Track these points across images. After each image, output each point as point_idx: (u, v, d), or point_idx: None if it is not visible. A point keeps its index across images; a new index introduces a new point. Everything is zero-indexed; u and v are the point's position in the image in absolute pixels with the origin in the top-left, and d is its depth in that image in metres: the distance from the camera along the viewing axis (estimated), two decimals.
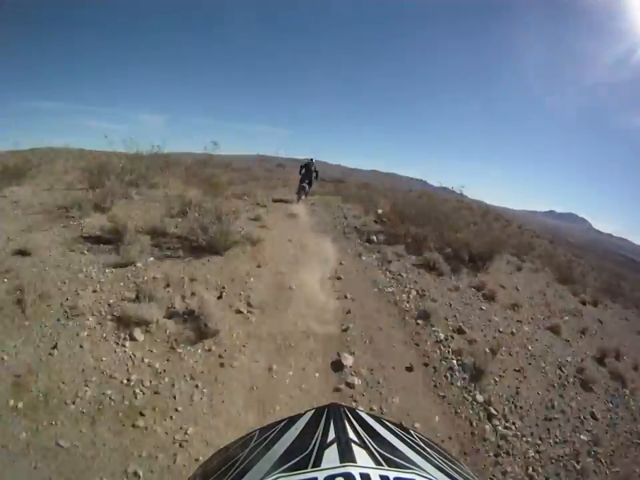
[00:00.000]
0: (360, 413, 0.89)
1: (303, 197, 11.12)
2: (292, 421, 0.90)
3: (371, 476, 0.61)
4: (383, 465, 0.66)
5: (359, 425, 0.81)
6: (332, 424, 0.80)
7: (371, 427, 0.84)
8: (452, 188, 14.74)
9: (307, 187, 11.07)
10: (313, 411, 0.91)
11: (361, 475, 0.61)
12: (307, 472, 0.65)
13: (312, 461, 0.68)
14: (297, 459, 0.70)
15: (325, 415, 0.85)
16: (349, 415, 0.85)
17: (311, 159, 11.14)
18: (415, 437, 0.91)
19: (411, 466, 0.68)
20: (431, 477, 0.66)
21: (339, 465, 0.64)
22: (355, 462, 0.65)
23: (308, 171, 10.99)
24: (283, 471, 0.67)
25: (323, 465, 0.65)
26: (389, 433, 0.84)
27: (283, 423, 0.91)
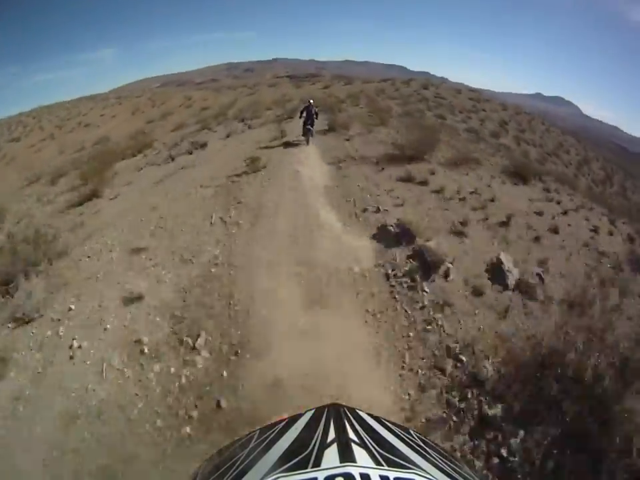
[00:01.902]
0: (360, 412, 0.89)
1: (311, 137, 11.58)
2: (292, 420, 0.90)
3: (371, 476, 0.62)
4: (382, 465, 0.66)
5: (359, 425, 0.81)
6: (332, 424, 0.79)
7: (371, 426, 0.83)
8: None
9: (312, 128, 11.50)
10: (312, 411, 0.90)
11: (361, 474, 0.62)
12: (307, 472, 0.65)
13: (312, 460, 0.68)
14: (297, 458, 0.71)
15: (324, 415, 0.85)
16: (349, 415, 0.84)
17: (309, 101, 11.71)
18: (415, 436, 0.91)
19: (411, 466, 0.68)
20: (430, 476, 0.66)
21: (339, 464, 0.65)
22: (355, 462, 0.65)
23: (308, 113, 11.36)
24: (283, 471, 0.68)
25: (323, 465, 0.66)
26: (388, 432, 0.84)
27: (283, 423, 0.91)
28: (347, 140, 12.20)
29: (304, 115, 11.46)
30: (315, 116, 11.38)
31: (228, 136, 14.64)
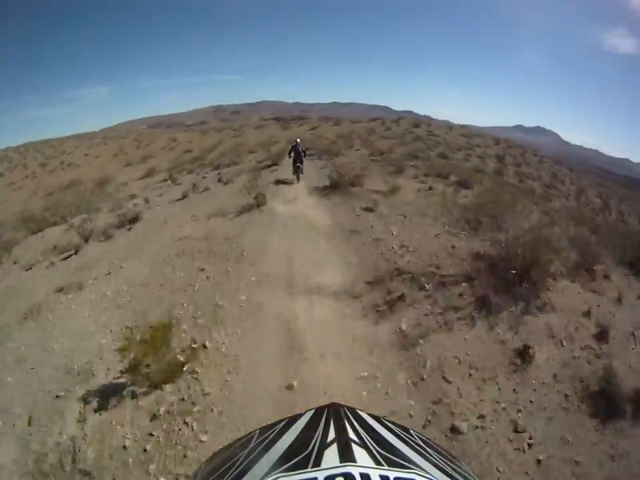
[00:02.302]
0: (360, 412, 0.89)
1: (301, 175, 12.12)
2: (292, 421, 0.90)
3: (371, 476, 0.62)
4: (382, 465, 0.67)
5: (359, 425, 0.81)
6: (332, 424, 0.80)
7: (371, 426, 0.84)
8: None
9: (301, 166, 12.05)
10: (313, 411, 0.91)
11: (361, 474, 0.62)
12: (307, 472, 0.66)
13: (312, 460, 0.69)
14: (297, 458, 0.71)
15: (324, 415, 0.85)
16: (349, 415, 0.85)
17: (296, 141, 12.46)
18: (415, 436, 0.92)
19: (411, 465, 0.69)
20: (430, 476, 0.67)
21: (339, 464, 0.65)
22: (355, 462, 0.65)
23: (297, 152, 11.99)
24: (283, 471, 0.68)
25: (323, 465, 0.66)
26: (388, 432, 0.85)
27: (282, 423, 0.91)
28: (369, 210, 8.23)
29: (292, 154, 12.14)
30: (302, 153, 12.03)
31: (184, 196, 11.62)
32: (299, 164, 11.92)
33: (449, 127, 33.03)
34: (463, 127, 34.60)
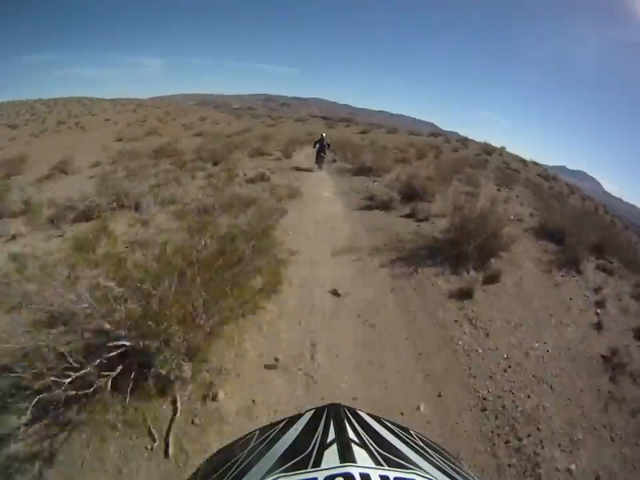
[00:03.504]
0: (360, 413, 0.92)
1: (322, 165, 14.27)
2: (292, 421, 0.93)
3: (371, 476, 0.64)
4: (382, 465, 0.69)
5: (359, 425, 0.83)
6: (332, 424, 0.82)
7: (371, 426, 0.86)
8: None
9: (324, 156, 14.14)
10: (313, 411, 0.93)
11: (361, 475, 0.64)
12: (307, 472, 0.68)
13: (312, 461, 0.71)
14: (297, 459, 0.73)
15: (324, 415, 0.87)
16: (349, 415, 0.87)
17: (323, 135, 14.62)
18: (415, 436, 0.94)
19: (411, 466, 0.72)
20: (430, 477, 0.69)
21: (339, 465, 0.67)
22: (355, 462, 0.67)
23: (321, 145, 14.10)
24: (283, 471, 0.70)
25: (323, 465, 0.68)
26: (388, 432, 0.87)
27: (282, 423, 0.94)
28: None
29: (317, 146, 14.36)
30: (327, 146, 14.36)
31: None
32: (322, 154, 14.13)
33: (522, 160, 27.11)
34: (535, 163, 28.20)
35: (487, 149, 24.99)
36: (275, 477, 0.67)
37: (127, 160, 15.49)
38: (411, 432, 0.95)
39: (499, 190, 12.95)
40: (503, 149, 25.56)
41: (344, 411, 0.87)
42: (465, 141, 26.85)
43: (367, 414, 0.92)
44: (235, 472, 0.78)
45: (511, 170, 20.76)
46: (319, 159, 13.92)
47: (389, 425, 0.91)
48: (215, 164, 14.13)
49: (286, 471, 0.68)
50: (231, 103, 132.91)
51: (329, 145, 14.19)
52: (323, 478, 0.63)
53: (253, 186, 10.89)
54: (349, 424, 0.80)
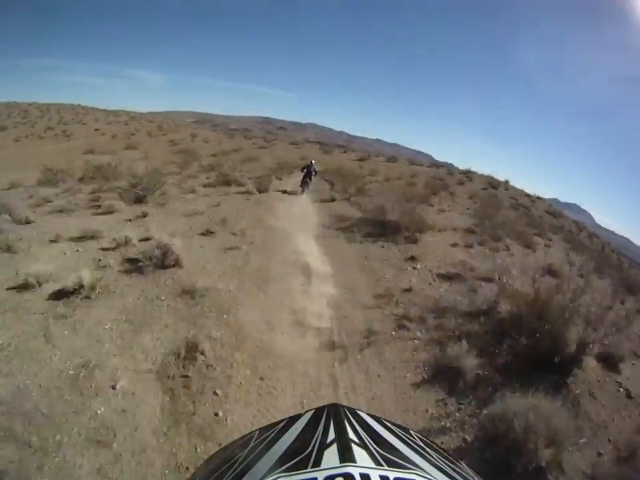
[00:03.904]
0: (360, 413, 0.92)
1: (306, 189, 14.63)
2: (292, 421, 0.92)
3: (371, 476, 0.64)
4: (382, 465, 0.68)
5: (359, 425, 0.83)
6: (332, 424, 0.81)
7: (371, 427, 0.86)
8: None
9: (309, 182, 14.67)
10: (312, 411, 0.93)
11: (361, 475, 0.64)
12: (307, 472, 0.67)
13: (312, 461, 0.70)
14: (297, 459, 0.73)
15: (324, 415, 0.87)
16: (349, 415, 0.87)
17: (312, 161, 15.23)
18: (415, 436, 0.94)
19: (411, 466, 0.71)
20: (430, 477, 0.69)
21: (338, 465, 0.67)
22: (355, 462, 0.67)
23: (308, 170, 14.58)
24: (283, 471, 0.70)
25: (323, 465, 0.68)
26: (388, 433, 0.87)
27: (282, 423, 0.94)
28: None
29: (304, 171, 14.83)
30: (313, 173, 14.88)
31: None
32: (307, 180, 14.61)
33: (526, 195, 25.91)
34: (539, 198, 26.95)
35: (492, 183, 23.49)
36: (274, 477, 0.68)
37: (53, 177, 12.67)
38: (411, 432, 0.95)
39: (547, 246, 10.27)
40: (507, 182, 23.98)
41: (344, 411, 0.88)
42: (468, 173, 25.38)
43: (367, 414, 0.92)
44: (235, 472, 0.78)
45: (522, 207, 19.08)
46: (304, 183, 14.48)
47: (389, 425, 0.92)
48: (139, 201, 9.82)
49: (286, 471, 0.68)
50: (228, 123, 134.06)
51: (315, 172, 14.91)
52: (323, 478, 0.63)
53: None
54: (348, 424, 0.80)
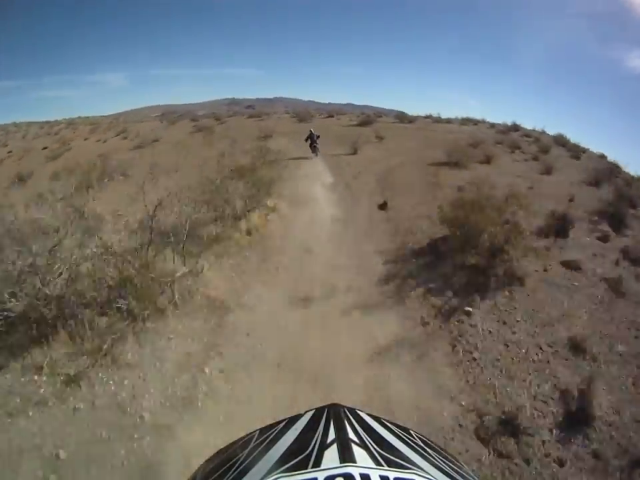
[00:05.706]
0: (360, 413, 0.90)
1: (318, 153, 16.57)
2: (292, 421, 0.90)
3: (371, 476, 0.63)
4: (382, 465, 0.67)
5: (359, 425, 0.82)
6: (332, 424, 0.80)
7: (371, 427, 0.85)
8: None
9: (317, 146, 16.21)
10: (312, 411, 0.91)
11: (361, 475, 0.63)
12: (307, 472, 0.66)
13: (312, 461, 0.69)
14: (297, 459, 0.71)
15: (324, 415, 0.85)
16: (349, 415, 0.85)
17: (310, 130, 16.70)
18: (415, 436, 0.92)
19: (411, 466, 0.70)
20: (430, 477, 0.69)
21: (339, 465, 0.66)
22: (355, 462, 0.66)
23: (312, 137, 16.26)
24: (283, 471, 0.69)
25: (323, 465, 0.67)
26: (388, 433, 0.86)
27: (283, 423, 0.92)
28: None
29: (309, 140, 16.29)
30: (316, 137, 16.29)
31: None
32: (315, 144, 16.08)
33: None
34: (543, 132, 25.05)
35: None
36: (274, 477, 0.67)
37: None
38: (411, 432, 0.94)
39: None
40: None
41: (344, 411, 0.87)
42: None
43: (367, 414, 0.91)
44: (235, 472, 0.77)
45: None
46: (314, 149, 16.15)
47: (389, 425, 0.91)
48: None
49: (286, 471, 0.67)
50: (196, 111, 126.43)
51: (318, 136, 16.33)
52: (323, 478, 0.62)
53: None
54: (348, 424, 0.79)
